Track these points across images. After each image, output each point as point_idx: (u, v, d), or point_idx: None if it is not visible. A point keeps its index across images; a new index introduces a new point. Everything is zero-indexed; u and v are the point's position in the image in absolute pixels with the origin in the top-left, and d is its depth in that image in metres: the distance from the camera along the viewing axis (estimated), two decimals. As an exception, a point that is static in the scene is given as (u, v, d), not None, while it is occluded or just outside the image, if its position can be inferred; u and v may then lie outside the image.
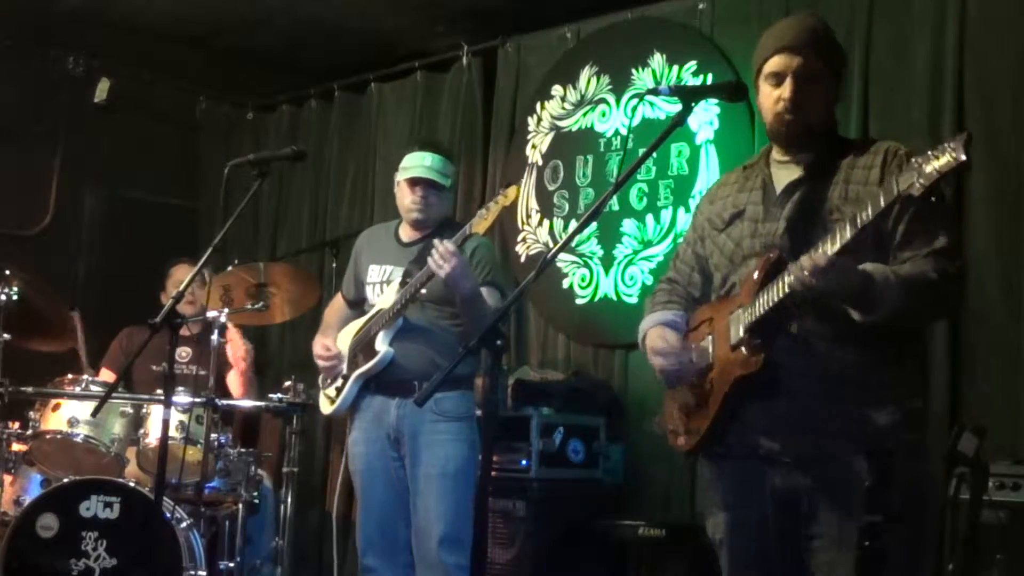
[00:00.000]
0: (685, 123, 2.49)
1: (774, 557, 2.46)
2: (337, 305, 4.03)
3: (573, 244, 4.77)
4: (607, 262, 4.78)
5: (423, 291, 3.52)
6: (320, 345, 3.83)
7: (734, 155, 4.41)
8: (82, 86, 6.16)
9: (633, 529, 4.07)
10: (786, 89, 2.49)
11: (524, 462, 4.21)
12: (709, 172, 4.49)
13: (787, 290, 2.33)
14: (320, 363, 3.83)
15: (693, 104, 2.43)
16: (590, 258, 4.84)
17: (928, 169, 2.12)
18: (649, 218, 4.65)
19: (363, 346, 3.70)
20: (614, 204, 4.68)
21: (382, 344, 3.62)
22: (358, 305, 3.88)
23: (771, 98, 2.53)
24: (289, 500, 4.38)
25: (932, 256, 2.34)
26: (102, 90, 6.16)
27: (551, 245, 4.96)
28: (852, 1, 4.10)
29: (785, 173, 2.56)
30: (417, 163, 3.71)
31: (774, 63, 2.52)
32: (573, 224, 4.89)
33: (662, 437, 4.44)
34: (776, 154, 2.60)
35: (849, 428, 2.36)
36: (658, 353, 2.61)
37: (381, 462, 3.70)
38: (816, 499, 2.39)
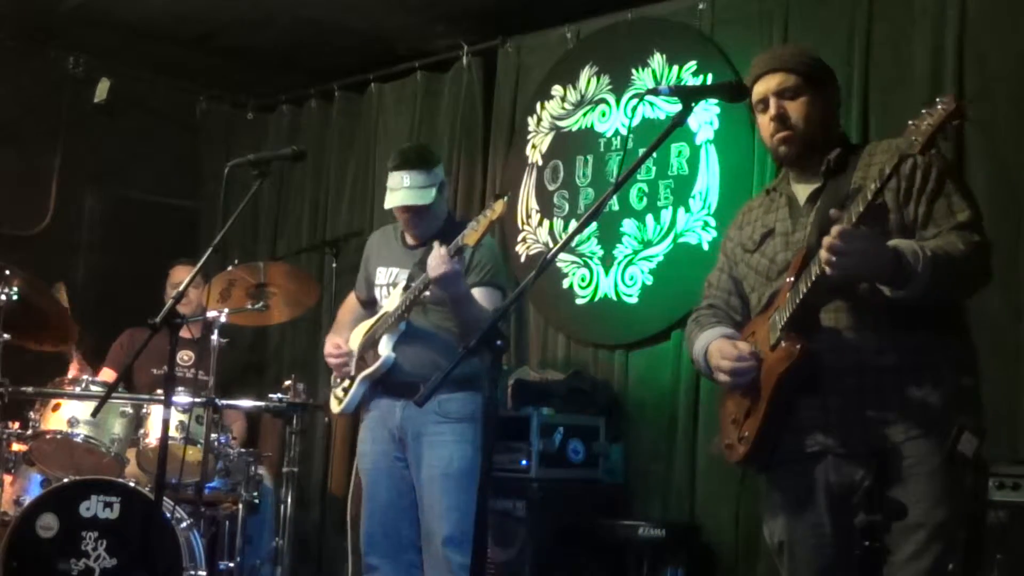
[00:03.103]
0: (685, 123, 2.50)
1: (834, 556, 2.47)
2: (350, 304, 4.06)
3: (573, 244, 4.77)
4: (607, 262, 4.77)
5: (426, 294, 3.53)
6: (331, 344, 3.86)
7: (734, 155, 4.41)
8: (82, 86, 6.16)
9: (633, 529, 4.07)
10: (771, 108, 2.57)
11: (524, 462, 4.21)
12: (709, 172, 4.49)
13: (814, 279, 2.35)
14: (330, 361, 3.85)
15: (693, 104, 2.45)
16: (590, 258, 4.84)
17: (923, 126, 2.17)
18: (649, 218, 4.65)
19: (369, 348, 3.72)
20: (614, 204, 4.68)
21: (385, 348, 3.66)
22: (370, 305, 3.91)
23: (763, 123, 2.62)
24: (289, 500, 4.39)
25: (957, 229, 2.37)
26: (102, 90, 6.16)
27: (551, 245, 4.96)
28: (852, 1, 4.10)
29: (805, 187, 2.61)
30: (396, 186, 3.70)
31: (756, 92, 2.61)
32: (573, 224, 4.89)
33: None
34: (793, 174, 2.66)
35: (904, 414, 2.38)
36: (731, 358, 2.57)
37: (385, 462, 3.74)
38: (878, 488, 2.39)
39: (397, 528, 3.71)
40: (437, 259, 3.42)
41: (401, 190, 3.69)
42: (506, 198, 3.56)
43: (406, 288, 3.63)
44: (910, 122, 2.22)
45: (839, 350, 2.43)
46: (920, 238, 2.39)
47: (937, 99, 2.19)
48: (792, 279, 2.47)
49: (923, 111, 2.20)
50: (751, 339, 2.59)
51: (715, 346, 2.63)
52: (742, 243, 2.73)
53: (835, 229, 2.28)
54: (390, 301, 3.71)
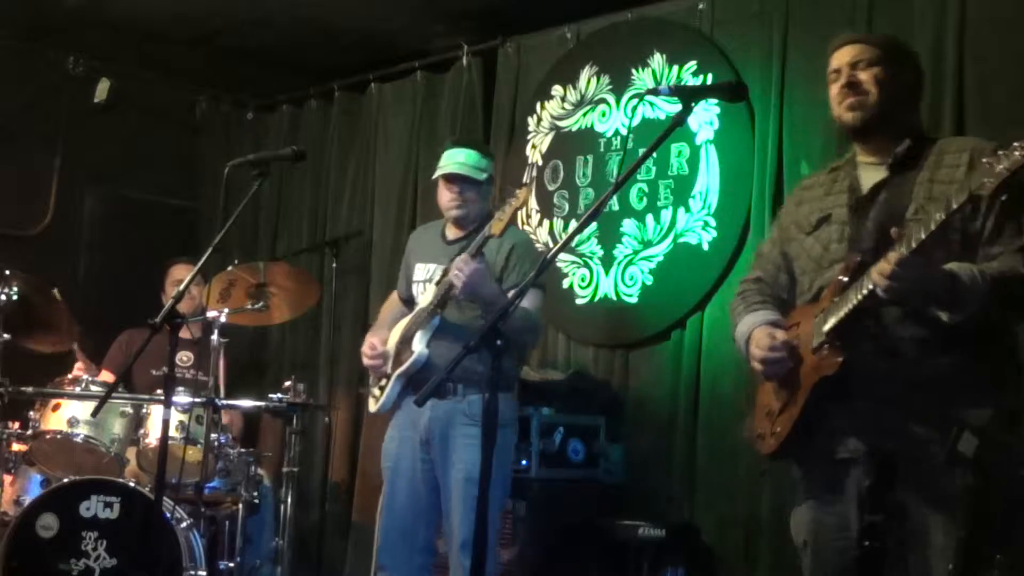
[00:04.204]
0: (685, 123, 2.49)
1: (855, 559, 2.45)
2: (392, 302, 4.04)
3: (573, 244, 4.77)
4: (607, 262, 4.77)
5: (455, 292, 3.52)
6: (367, 344, 3.84)
7: (734, 155, 4.41)
8: (82, 86, 6.16)
9: (633, 529, 4.07)
10: (843, 77, 2.54)
11: (524, 462, 4.21)
12: (709, 172, 4.48)
13: (865, 293, 2.33)
14: (365, 361, 3.84)
15: (693, 104, 2.45)
16: (590, 258, 4.84)
17: (998, 168, 2.13)
18: (649, 218, 4.65)
19: (404, 345, 3.71)
20: (614, 204, 4.67)
21: (418, 344, 3.63)
22: (411, 303, 3.89)
23: (833, 93, 2.57)
24: (289, 500, 4.39)
25: (1022, 251, 2.34)
26: (102, 90, 6.17)
27: (551, 245, 4.96)
28: (852, 1, 4.10)
29: (871, 175, 2.56)
30: (451, 159, 3.70)
31: (831, 64, 2.57)
32: (573, 224, 4.89)
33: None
34: (861, 155, 2.61)
35: (938, 430, 2.34)
36: (764, 348, 2.57)
37: (409, 462, 3.70)
38: (903, 500, 2.38)
39: (413, 530, 3.67)
40: (460, 266, 3.41)
41: (455, 162, 3.69)
42: (529, 185, 3.56)
43: (439, 282, 3.61)
44: (984, 160, 2.17)
45: (884, 360, 2.40)
46: (984, 254, 2.37)
47: (1016, 143, 2.13)
48: (844, 280, 2.44)
49: (999, 152, 2.15)
50: (794, 330, 2.57)
51: (757, 333, 2.61)
52: (797, 222, 2.68)
53: (892, 256, 2.26)
54: (425, 297, 3.70)
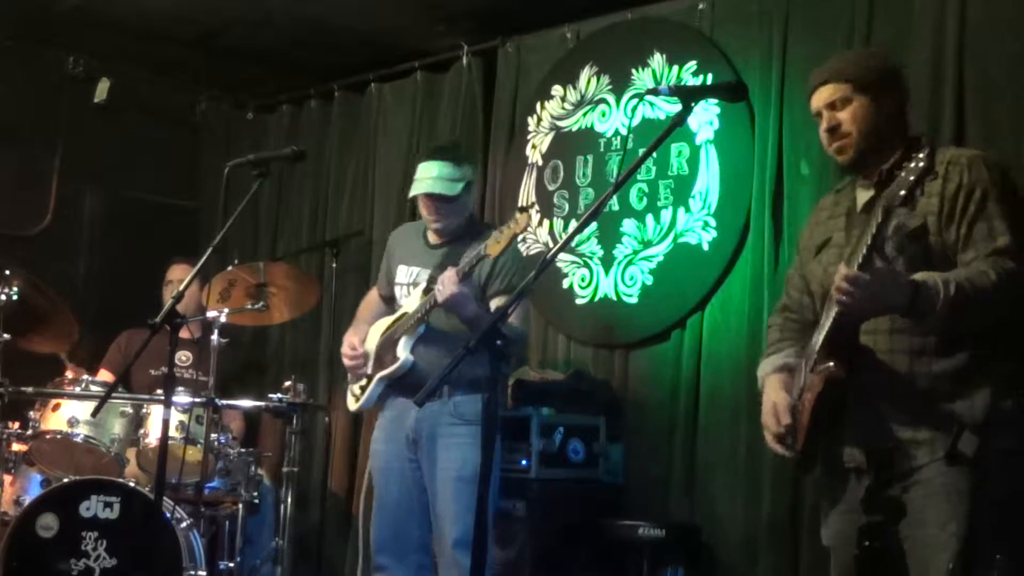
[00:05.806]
0: (685, 123, 2.50)
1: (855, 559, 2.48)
2: (371, 300, 4.06)
3: (573, 244, 4.77)
4: (607, 262, 4.77)
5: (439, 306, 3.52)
6: (347, 344, 3.86)
7: (734, 155, 4.41)
8: (82, 86, 6.16)
9: (633, 529, 4.07)
10: (824, 121, 2.62)
11: (524, 462, 4.21)
12: (709, 172, 4.48)
13: (835, 310, 2.37)
14: (346, 362, 3.86)
15: (693, 104, 2.46)
16: (590, 258, 4.84)
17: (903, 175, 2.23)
18: (649, 218, 4.65)
19: (388, 348, 3.72)
20: (614, 204, 4.67)
21: (403, 351, 3.65)
22: (391, 302, 3.91)
23: (821, 135, 2.65)
24: (289, 500, 4.39)
25: (993, 255, 2.37)
26: (102, 90, 6.17)
27: (551, 245, 4.96)
28: (852, 1, 4.10)
29: (864, 194, 2.62)
30: (424, 175, 3.69)
31: (812, 106, 2.66)
32: (573, 224, 4.89)
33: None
34: (860, 177, 2.67)
35: (935, 437, 2.38)
36: (772, 429, 2.66)
37: (398, 463, 3.73)
38: (906, 507, 2.41)
39: (407, 529, 3.71)
40: (445, 281, 3.42)
41: (428, 179, 3.67)
42: (529, 212, 3.56)
43: (426, 291, 3.61)
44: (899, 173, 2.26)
45: (882, 372, 2.43)
46: (960, 262, 2.39)
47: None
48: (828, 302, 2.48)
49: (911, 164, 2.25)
50: (806, 364, 2.60)
51: (769, 388, 2.70)
52: (808, 246, 2.76)
53: (842, 271, 2.30)
54: (410, 302, 3.71)
